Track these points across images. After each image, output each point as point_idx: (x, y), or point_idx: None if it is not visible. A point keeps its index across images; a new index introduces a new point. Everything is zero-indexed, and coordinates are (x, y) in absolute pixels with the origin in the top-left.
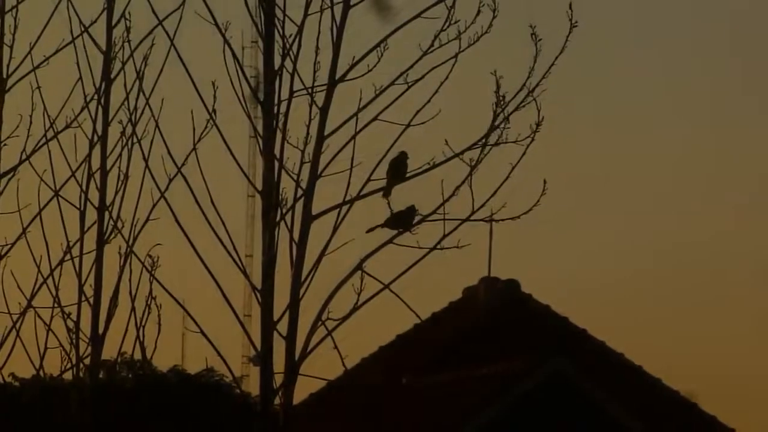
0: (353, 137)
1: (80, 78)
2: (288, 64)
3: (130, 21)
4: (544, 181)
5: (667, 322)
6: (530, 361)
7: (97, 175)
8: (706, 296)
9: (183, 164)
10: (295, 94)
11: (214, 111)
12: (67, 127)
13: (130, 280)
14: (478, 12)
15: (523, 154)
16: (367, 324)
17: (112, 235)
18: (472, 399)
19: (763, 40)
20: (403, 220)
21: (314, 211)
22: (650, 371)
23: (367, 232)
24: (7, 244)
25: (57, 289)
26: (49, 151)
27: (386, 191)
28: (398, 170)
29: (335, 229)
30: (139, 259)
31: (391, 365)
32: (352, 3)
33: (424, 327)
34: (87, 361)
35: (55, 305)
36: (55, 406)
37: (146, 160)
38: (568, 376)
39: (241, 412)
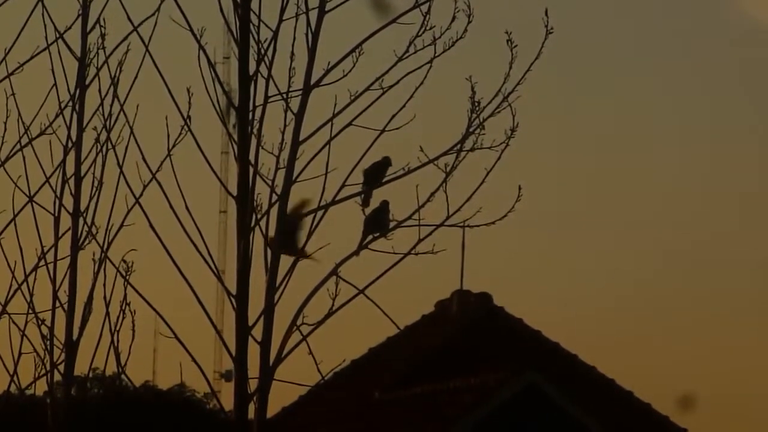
0: (328, 143)
1: (55, 84)
2: (263, 69)
3: (105, 27)
4: (519, 188)
5: (638, 335)
6: (503, 375)
7: (72, 181)
8: (678, 311)
9: (158, 170)
10: (270, 100)
11: (189, 117)
12: (42, 133)
13: (104, 285)
14: (453, 18)
15: (498, 159)
16: (343, 331)
17: (87, 241)
18: (445, 413)
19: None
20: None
21: None
22: (622, 384)
23: (357, 252)
24: None
25: (31, 294)
26: (24, 158)
27: (365, 200)
28: (375, 176)
29: (310, 234)
30: (114, 265)
31: (363, 379)
32: (327, 9)
33: (396, 340)
34: (61, 367)
35: (30, 311)
36: (30, 423)
37: (121, 166)
38: (541, 389)
39: (212, 428)
